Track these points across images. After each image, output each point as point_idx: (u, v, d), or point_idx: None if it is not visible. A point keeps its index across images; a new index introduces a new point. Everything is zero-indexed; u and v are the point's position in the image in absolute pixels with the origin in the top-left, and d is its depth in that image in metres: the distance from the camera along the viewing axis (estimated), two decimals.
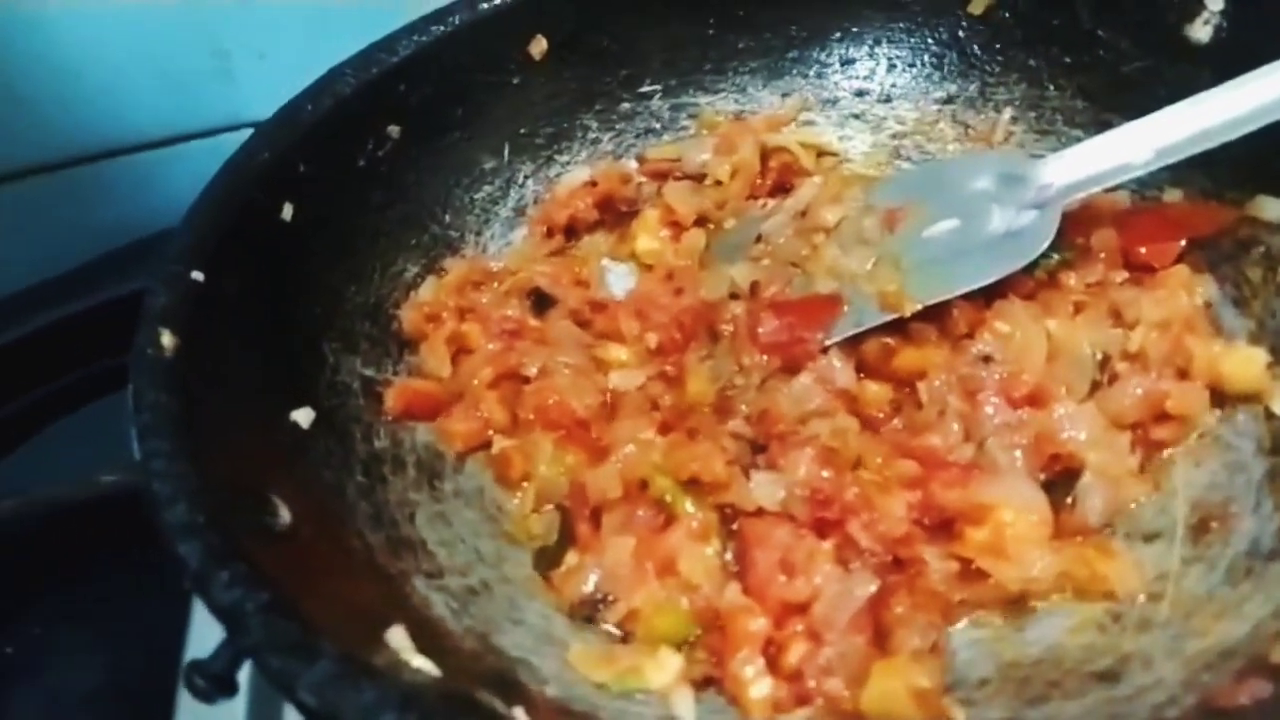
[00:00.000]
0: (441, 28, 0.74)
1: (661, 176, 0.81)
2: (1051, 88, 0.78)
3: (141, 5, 0.91)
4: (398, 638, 0.44)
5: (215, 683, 0.45)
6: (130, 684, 0.85)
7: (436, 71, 0.74)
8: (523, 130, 0.80)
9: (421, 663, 0.43)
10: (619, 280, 0.78)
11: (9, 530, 0.99)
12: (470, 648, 0.50)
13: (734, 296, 0.70)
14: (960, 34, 0.80)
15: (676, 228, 0.78)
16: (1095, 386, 0.60)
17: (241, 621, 0.40)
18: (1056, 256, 0.65)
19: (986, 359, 0.61)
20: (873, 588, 0.50)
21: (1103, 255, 0.66)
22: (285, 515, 0.49)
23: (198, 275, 0.57)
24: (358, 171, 0.71)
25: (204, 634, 0.71)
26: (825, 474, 0.56)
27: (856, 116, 0.83)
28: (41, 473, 0.98)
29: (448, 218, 0.76)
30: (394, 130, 0.72)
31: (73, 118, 0.97)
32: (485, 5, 0.76)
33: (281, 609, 0.40)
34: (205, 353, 0.54)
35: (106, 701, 0.84)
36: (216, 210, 0.61)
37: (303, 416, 0.59)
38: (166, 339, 0.53)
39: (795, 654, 0.49)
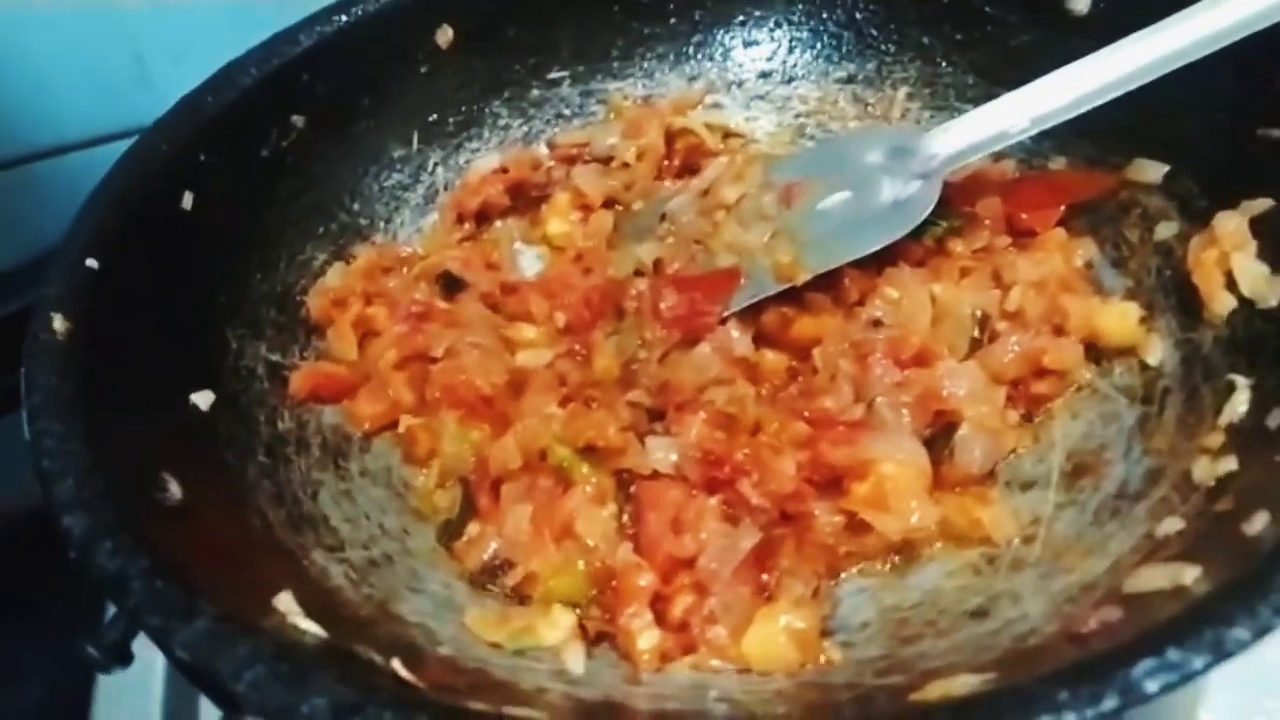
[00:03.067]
0: (345, 18, 0.75)
1: (571, 161, 0.82)
2: (944, 64, 0.80)
3: (61, 9, 0.91)
4: (285, 602, 0.45)
5: (110, 652, 0.46)
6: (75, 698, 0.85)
7: (341, 61, 0.75)
8: (432, 118, 0.81)
9: (309, 625, 0.44)
10: (530, 264, 0.79)
11: None
12: (367, 614, 0.51)
13: (639, 274, 0.72)
14: (857, 15, 0.82)
15: (586, 210, 0.79)
16: (976, 345, 0.63)
17: (123, 585, 0.41)
18: (944, 224, 0.68)
19: (877, 323, 0.63)
20: (754, 539, 0.52)
21: (988, 222, 0.69)
22: (176, 491, 0.50)
23: (92, 263, 0.57)
24: (262, 161, 0.71)
25: None
26: (718, 436, 0.57)
27: (761, 98, 0.85)
28: None
29: (356, 206, 0.77)
30: (298, 120, 0.73)
31: None
32: None
33: (163, 574, 0.41)
34: (99, 337, 0.54)
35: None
36: (113, 200, 0.62)
37: (202, 399, 0.59)
38: (59, 324, 0.53)
39: (680, 605, 0.51)
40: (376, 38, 0.77)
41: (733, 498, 0.55)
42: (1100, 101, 0.62)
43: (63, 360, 0.52)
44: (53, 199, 1.03)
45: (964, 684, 0.40)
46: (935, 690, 0.41)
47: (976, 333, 0.62)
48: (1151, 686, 0.34)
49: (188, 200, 0.65)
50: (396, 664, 0.42)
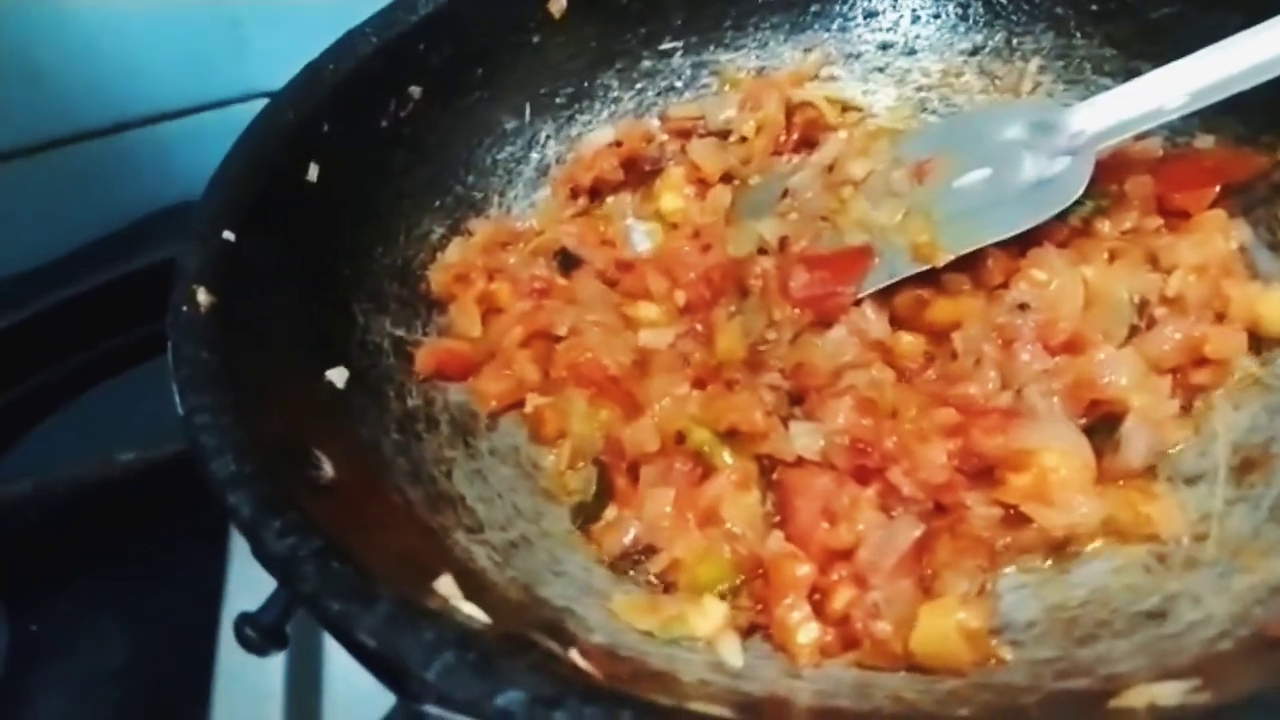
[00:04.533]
0: None
1: (685, 135, 0.80)
2: (1079, 35, 0.77)
3: None
4: (446, 586, 0.44)
5: (266, 634, 0.45)
6: (155, 660, 0.86)
7: (456, 31, 0.74)
8: (543, 90, 0.79)
9: (472, 609, 0.43)
10: (641, 240, 0.78)
11: (30, 510, 1.00)
12: (516, 598, 0.50)
13: (762, 252, 0.70)
14: None
15: (702, 185, 0.77)
16: (1133, 332, 0.60)
17: (296, 569, 0.40)
18: (1090, 204, 0.65)
19: (1023, 307, 0.61)
20: (917, 532, 0.50)
21: (1137, 202, 0.66)
22: (328, 469, 0.49)
23: (229, 235, 0.56)
24: (380, 132, 0.70)
25: (240, 599, 0.71)
26: (865, 422, 0.55)
27: (880, 70, 0.82)
28: (56, 452, 0.99)
29: (471, 179, 0.76)
30: (415, 90, 0.72)
31: (89, 92, 0.97)
32: None
33: (335, 555, 0.40)
34: (240, 311, 0.54)
35: (133, 677, 0.85)
36: (244, 171, 0.61)
37: (337, 376, 0.58)
38: (202, 296, 0.52)
39: (841, 599, 0.49)
40: (491, 6, 0.75)
41: (883, 487, 0.53)
42: (1261, 79, 0.58)
43: (208, 333, 0.51)
44: (147, 166, 1.04)
45: (1171, 692, 0.38)
46: (1137, 698, 0.39)
47: (1134, 319, 0.60)
48: None
49: (313, 172, 0.64)
50: (575, 654, 0.41)
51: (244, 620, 0.46)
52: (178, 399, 0.48)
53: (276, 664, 0.67)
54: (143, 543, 0.94)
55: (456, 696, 0.35)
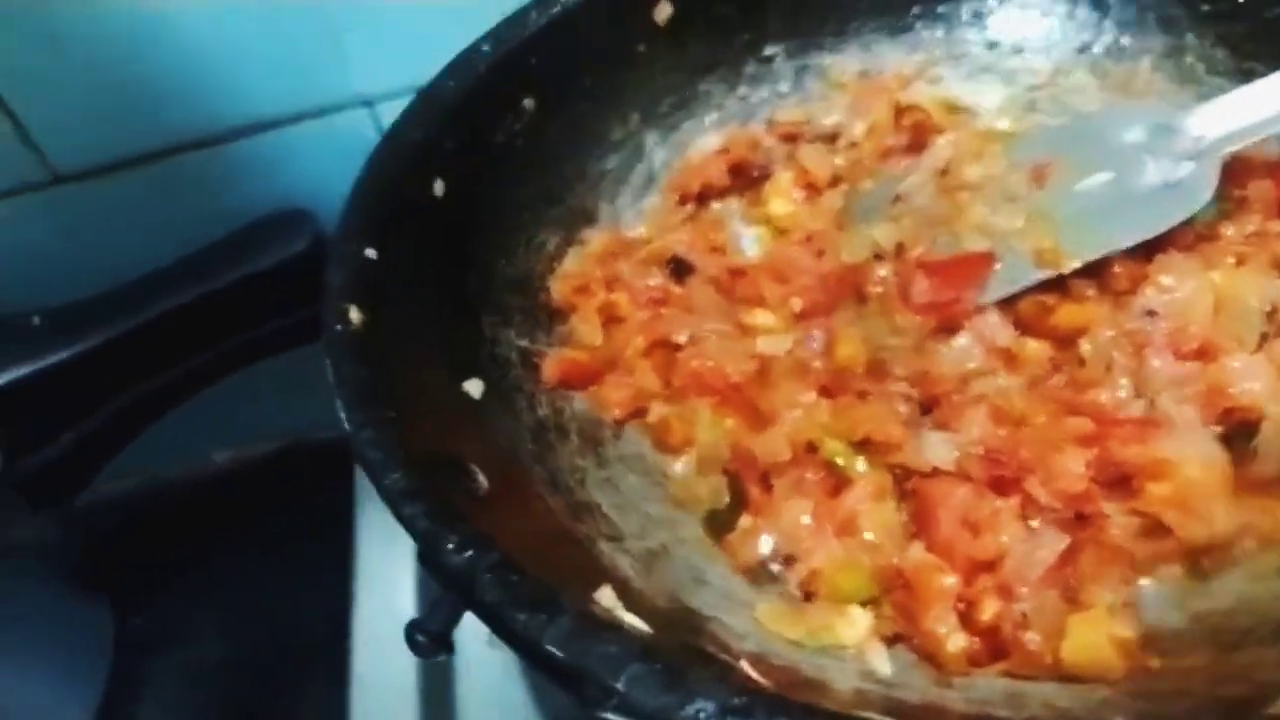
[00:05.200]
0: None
1: (792, 139, 0.81)
2: (1191, 35, 0.76)
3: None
4: (608, 597, 0.46)
5: (436, 641, 0.47)
6: (255, 656, 0.89)
7: (566, 43, 0.75)
8: (649, 97, 0.80)
9: (634, 620, 0.44)
10: (751, 244, 0.78)
11: (132, 508, 1.04)
12: (665, 607, 0.51)
13: (877, 258, 0.70)
14: None
15: (811, 190, 0.77)
16: (1263, 339, 0.59)
17: (476, 582, 0.42)
18: (1213, 208, 0.64)
19: (1151, 313, 0.60)
20: (1062, 545, 0.50)
21: (1259, 206, 0.65)
22: (483, 480, 0.51)
23: (371, 253, 0.58)
24: (498, 146, 0.72)
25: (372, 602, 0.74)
26: (1000, 432, 0.56)
27: (987, 69, 0.82)
28: (154, 452, 1.02)
29: (582, 188, 0.77)
30: (529, 103, 0.73)
31: (193, 104, 1.00)
32: None
33: (512, 568, 0.42)
34: (388, 326, 0.56)
35: (237, 672, 0.89)
36: (379, 189, 0.63)
37: (473, 387, 0.60)
38: (354, 314, 0.54)
39: (989, 610, 0.49)
40: (599, 16, 0.76)
41: (1021, 497, 0.54)
42: None
43: (363, 350, 0.53)
44: (248, 175, 1.07)
45: None
46: None
47: (1265, 325, 0.59)
48: None
49: (439, 188, 0.66)
50: (745, 664, 0.42)
51: (415, 627, 0.48)
52: (343, 416, 0.50)
53: (409, 661, 0.69)
54: (241, 541, 0.98)
55: (646, 706, 0.37)
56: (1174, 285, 0.61)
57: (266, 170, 1.07)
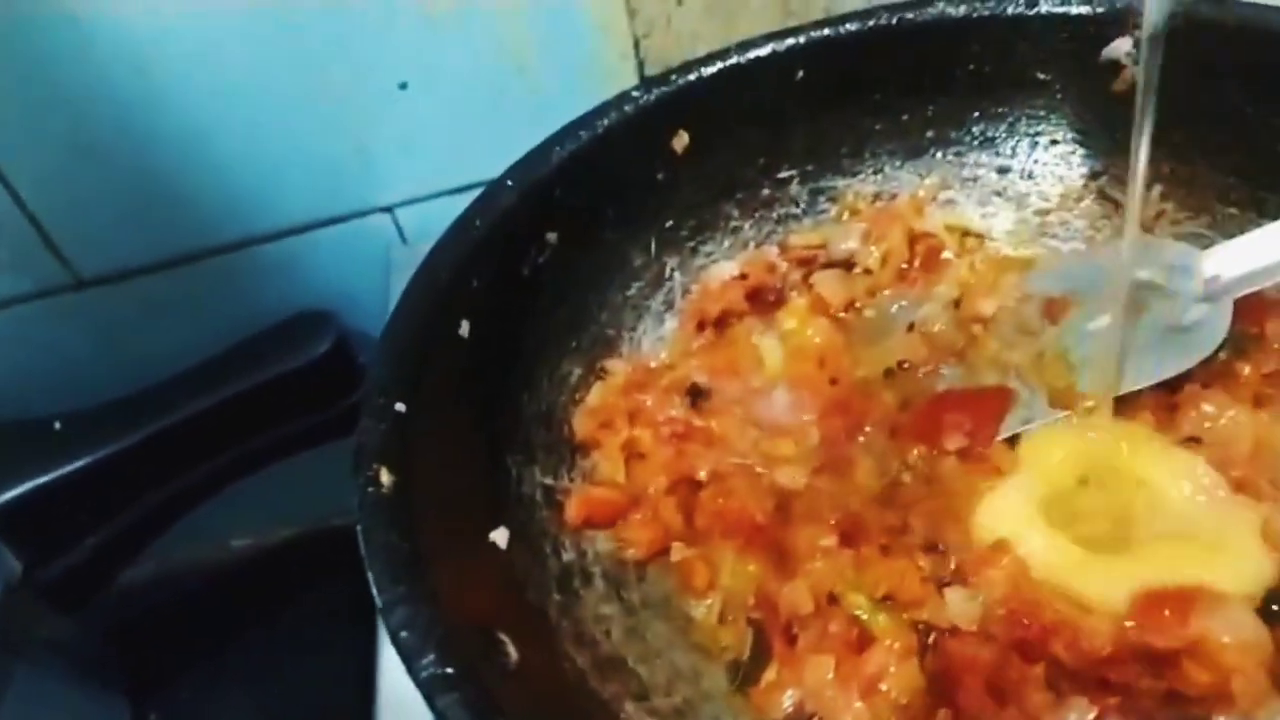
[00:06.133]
0: (592, 132, 0.77)
1: (806, 263, 0.82)
2: (1202, 164, 0.77)
3: (294, 106, 0.95)
4: None
5: None
6: None
7: (589, 174, 0.76)
8: (669, 224, 0.82)
9: None
10: (773, 350, 0.78)
11: (152, 596, 1.04)
12: None
13: (888, 374, 0.71)
14: (1104, 111, 0.79)
15: (826, 315, 0.79)
16: None
17: None
18: (1229, 345, 0.65)
19: (1194, 439, 0.61)
20: (1090, 716, 0.51)
21: (1277, 345, 0.66)
22: (513, 652, 0.51)
23: (400, 407, 0.59)
24: (523, 281, 0.73)
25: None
26: (1022, 591, 0.56)
27: (998, 194, 0.83)
28: (172, 541, 1.03)
29: (604, 317, 0.78)
30: (553, 236, 0.75)
31: (219, 211, 1.02)
32: (630, 106, 0.78)
33: None
34: (418, 485, 0.56)
35: None
36: (407, 339, 0.64)
37: (500, 537, 0.61)
38: (385, 477, 0.55)
39: None
40: (620, 147, 0.78)
41: (1048, 662, 0.54)
42: None
43: (394, 515, 0.54)
44: (273, 278, 1.09)
45: None
46: None
47: None
48: None
49: (464, 328, 0.67)
50: None
51: None
52: (374, 590, 0.50)
53: None
54: (261, 629, 0.98)
55: None
56: (1216, 413, 0.61)
57: (289, 274, 1.09)
